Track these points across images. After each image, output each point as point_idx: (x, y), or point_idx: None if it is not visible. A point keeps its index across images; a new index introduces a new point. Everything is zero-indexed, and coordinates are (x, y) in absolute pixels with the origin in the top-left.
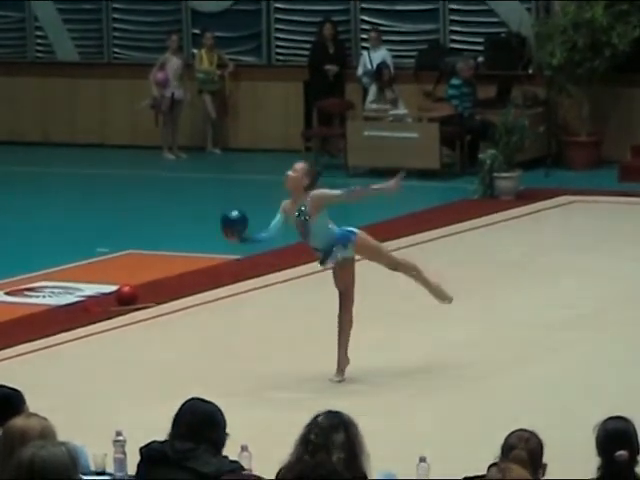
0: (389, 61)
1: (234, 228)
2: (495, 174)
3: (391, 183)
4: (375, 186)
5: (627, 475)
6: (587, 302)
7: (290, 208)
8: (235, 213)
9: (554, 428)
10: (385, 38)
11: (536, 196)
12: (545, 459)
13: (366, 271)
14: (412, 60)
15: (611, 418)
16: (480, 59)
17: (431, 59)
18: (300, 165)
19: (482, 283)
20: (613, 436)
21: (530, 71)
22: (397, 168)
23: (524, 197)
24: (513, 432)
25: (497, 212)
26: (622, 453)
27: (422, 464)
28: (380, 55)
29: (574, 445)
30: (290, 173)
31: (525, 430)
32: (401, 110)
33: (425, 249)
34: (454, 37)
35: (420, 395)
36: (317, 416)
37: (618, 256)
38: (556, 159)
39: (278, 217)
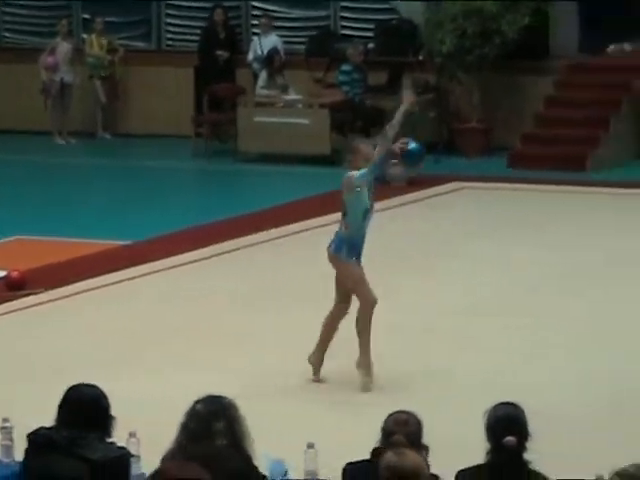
0: (280, 47)
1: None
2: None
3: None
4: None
5: (515, 461)
6: (485, 288)
7: None
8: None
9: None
10: (276, 24)
11: (427, 182)
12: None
13: None
14: (303, 46)
15: (501, 403)
16: (371, 45)
17: (322, 45)
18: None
19: (379, 270)
20: (502, 421)
21: (421, 58)
22: (288, 154)
23: (415, 183)
24: (391, 415)
25: (388, 198)
26: (510, 439)
27: (309, 450)
28: (271, 41)
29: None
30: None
31: (403, 412)
32: (292, 96)
33: (317, 235)
34: (345, 23)
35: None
36: (196, 403)
37: (509, 242)
38: (447, 146)
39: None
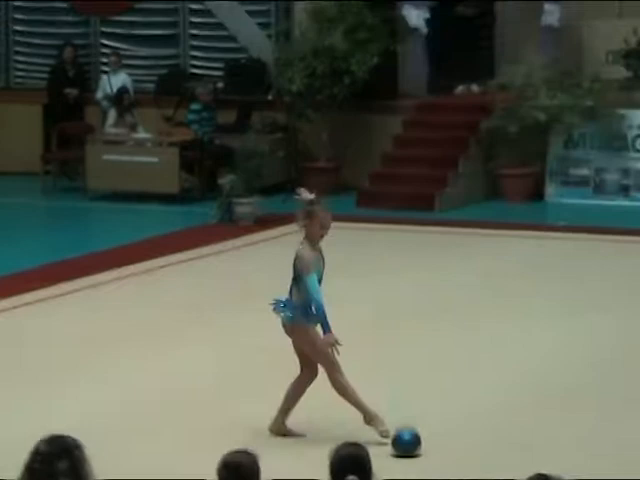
0: (129, 85)
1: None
2: (234, 199)
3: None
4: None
5: None
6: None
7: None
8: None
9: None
10: (125, 62)
11: (275, 222)
12: None
13: None
14: (152, 85)
15: (345, 444)
16: (220, 84)
17: (171, 84)
18: None
19: (222, 308)
20: (345, 461)
21: (270, 97)
22: (137, 192)
23: (263, 223)
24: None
25: (236, 237)
26: (352, 478)
27: None
28: (120, 79)
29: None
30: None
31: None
32: (141, 134)
33: (162, 274)
34: (194, 62)
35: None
36: (39, 443)
37: (361, 280)
38: (296, 185)
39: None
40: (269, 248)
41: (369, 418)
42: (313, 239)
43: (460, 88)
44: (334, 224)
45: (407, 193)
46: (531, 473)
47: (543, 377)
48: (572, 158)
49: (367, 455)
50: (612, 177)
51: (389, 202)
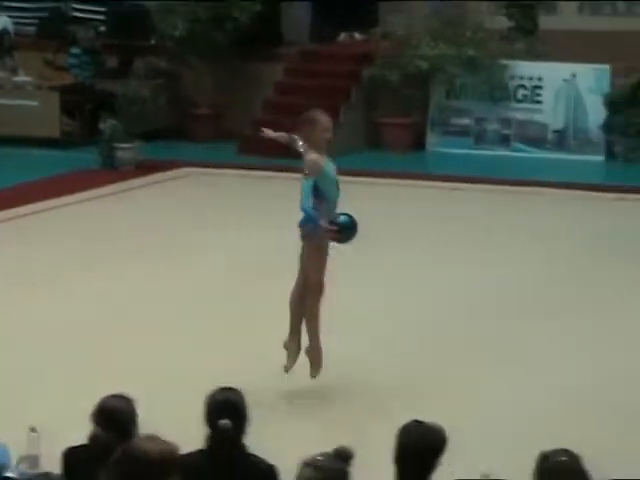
0: (10, 28)
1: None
2: (115, 144)
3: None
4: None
5: (232, 444)
6: (209, 273)
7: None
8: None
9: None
10: (6, 4)
11: (156, 167)
12: None
13: None
14: (33, 28)
15: (220, 389)
16: (102, 29)
17: (52, 27)
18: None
19: (101, 257)
20: (219, 406)
21: (153, 42)
22: (17, 136)
23: (144, 168)
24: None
25: (116, 182)
26: (225, 422)
27: (32, 434)
28: (0, 22)
29: None
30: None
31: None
32: (21, 78)
33: (41, 219)
34: (76, 6)
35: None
36: None
37: (235, 227)
38: (178, 131)
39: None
40: (147, 192)
41: (311, 352)
42: (318, 145)
43: (343, 36)
44: (215, 170)
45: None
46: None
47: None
48: (453, 108)
49: (242, 400)
50: (493, 127)
51: (270, 149)
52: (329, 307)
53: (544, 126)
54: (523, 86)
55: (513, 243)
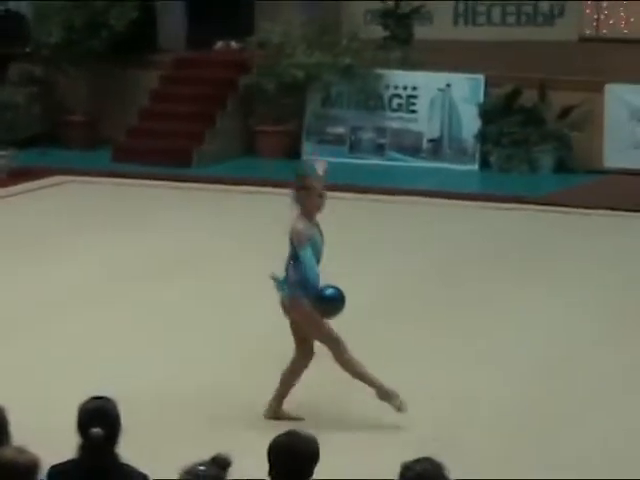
0: None
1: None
2: None
3: None
4: None
5: (104, 453)
6: (76, 279)
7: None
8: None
9: None
10: None
11: (30, 175)
12: None
13: None
14: None
15: (93, 397)
16: None
17: None
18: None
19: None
20: (91, 414)
21: (28, 49)
22: None
23: (18, 176)
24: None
25: None
26: (96, 430)
27: None
28: None
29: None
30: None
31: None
32: None
33: None
34: None
35: None
36: None
37: (113, 234)
38: (52, 138)
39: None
40: (21, 200)
41: (381, 393)
42: (310, 211)
43: (219, 44)
44: (89, 178)
45: (164, 148)
46: None
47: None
48: (329, 116)
49: (114, 408)
50: (368, 136)
51: (145, 157)
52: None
53: (419, 135)
54: (398, 95)
55: (387, 252)
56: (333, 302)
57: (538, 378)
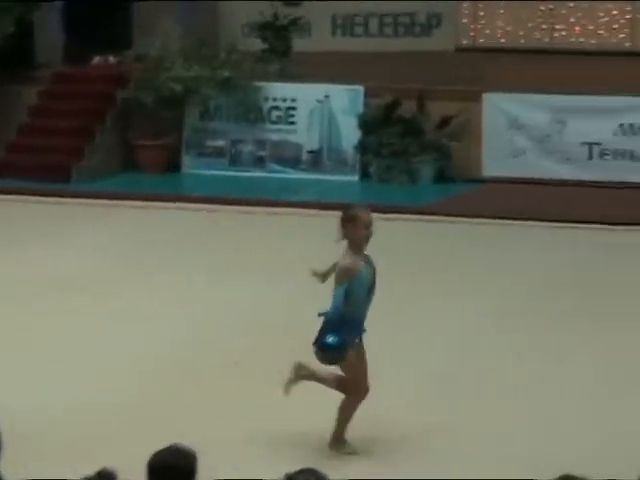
0: None
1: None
2: None
3: None
4: None
5: None
6: None
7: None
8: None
9: None
10: None
11: None
12: None
13: None
14: None
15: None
16: None
17: None
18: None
19: None
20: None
21: None
22: None
23: None
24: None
25: None
26: None
27: None
28: None
29: None
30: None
31: None
32: None
33: None
34: None
35: None
36: None
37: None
38: None
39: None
40: None
41: (335, 442)
42: (359, 244)
43: (97, 59)
44: None
45: (43, 164)
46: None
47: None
48: (208, 129)
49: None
50: (248, 148)
51: (25, 173)
52: None
53: (299, 147)
54: (277, 107)
55: (268, 264)
56: (334, 351)
57: (438, 392)
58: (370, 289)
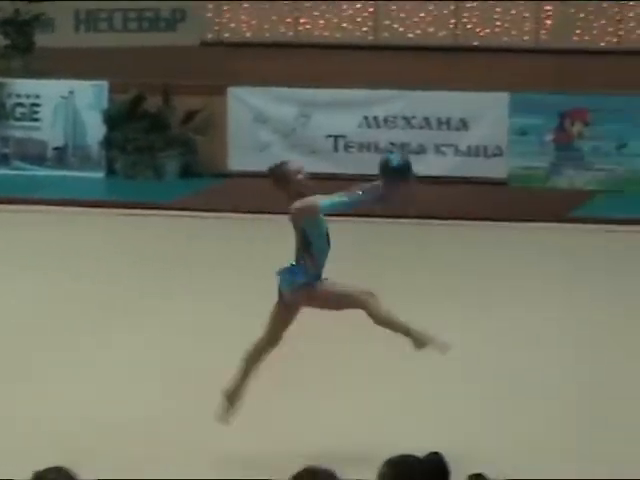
0: None
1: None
2: None
3: None
4: None
5: None
6: None
7: None
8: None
9: None
10: None
11: None
12: None
13: None
14: None
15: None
16: None
17: None
18: None
19: None
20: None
21: None
22: None
23: None
24: None
25: None
26: None
27: None
28: None
29: None
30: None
31: None
32: None
33: None
34: None
35: None
36: None
37: None
38: None
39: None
40: None
41: (419, 342)
42: (301, 190)
43: None
44: None
45: None
46: None
47: None
48: None
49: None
50: None
51: None
52: None
53: (43, 144)
54: (21, 104)
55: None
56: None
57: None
58: (327, 237)
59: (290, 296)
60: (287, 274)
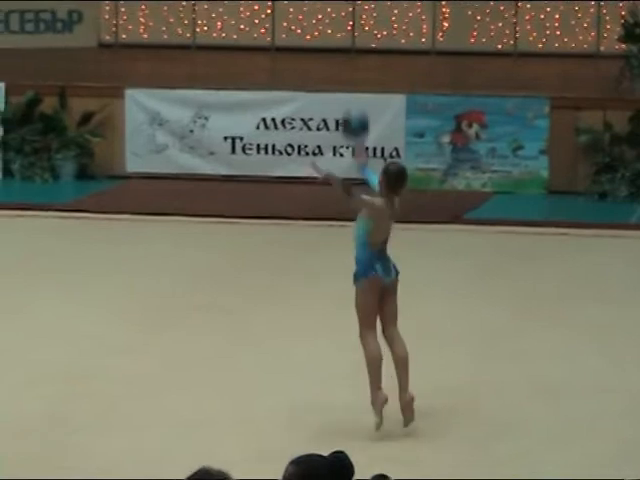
0: None
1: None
2: None
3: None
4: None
5: None
6: None
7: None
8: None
9: None
10: None
11: None
12: None
13: None
14: None
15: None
16: None
17: None
18: None
19: None
20: None
21: None
22: None
23: None
24: None
25: None
26: None
27: None
28: None
29: None
30: None
31: None
32: None
33: None
34: None
35: None
36: None
37: None
38: None
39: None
40: None
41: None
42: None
43: None
44: None
45: None
46: None
47: None
48: None
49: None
50: None
51: None
52: None
53: None
54: None
55: None
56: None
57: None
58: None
59: (391, 283)
60: (389, 263)
